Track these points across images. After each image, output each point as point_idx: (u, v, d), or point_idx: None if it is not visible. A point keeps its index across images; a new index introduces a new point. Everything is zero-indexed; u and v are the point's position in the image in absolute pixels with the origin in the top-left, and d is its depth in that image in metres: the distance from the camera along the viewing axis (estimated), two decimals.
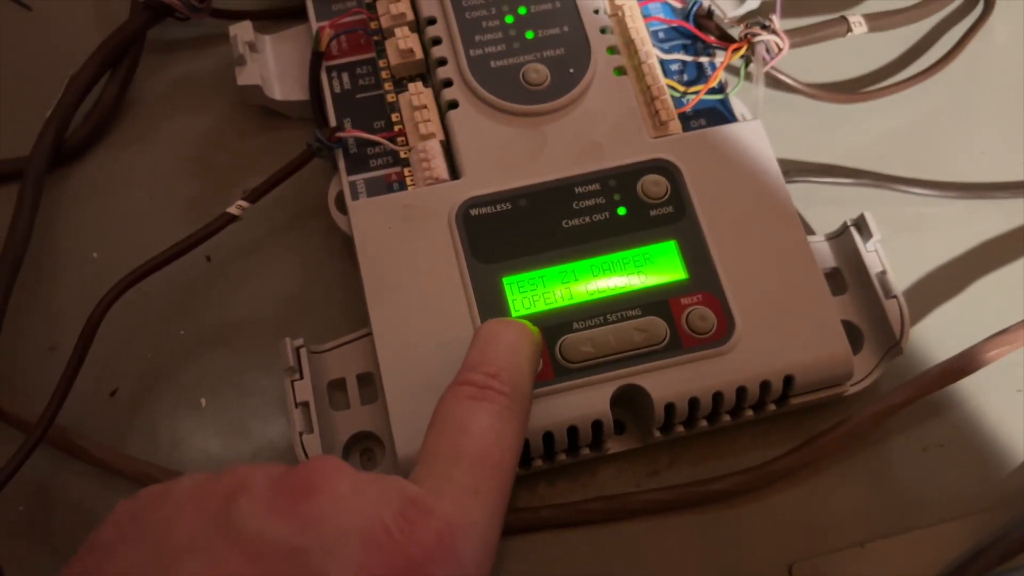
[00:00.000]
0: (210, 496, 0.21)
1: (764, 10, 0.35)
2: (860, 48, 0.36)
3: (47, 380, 0.29)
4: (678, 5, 0.34)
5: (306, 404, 0.28)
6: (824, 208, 0.33)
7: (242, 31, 0.33)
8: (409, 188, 0.31)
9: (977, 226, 0.34)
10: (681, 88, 0.33)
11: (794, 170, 0.33)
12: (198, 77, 0.36)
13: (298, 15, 0.36)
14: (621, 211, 0.30)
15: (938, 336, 0.32)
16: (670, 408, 0.27)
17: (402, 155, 0.31)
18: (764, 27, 0.32)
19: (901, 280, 0.31)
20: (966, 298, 0.33)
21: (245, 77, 0.33)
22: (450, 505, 0.21)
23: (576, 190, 0.30)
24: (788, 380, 0.28)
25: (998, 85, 0.37)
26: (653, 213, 0.30)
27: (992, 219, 0.34)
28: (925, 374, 0.30)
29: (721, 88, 0.33)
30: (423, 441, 0.23)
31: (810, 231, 0.32)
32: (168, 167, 0.35)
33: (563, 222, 0.29)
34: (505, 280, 0.28)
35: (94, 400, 0.31)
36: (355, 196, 0.31)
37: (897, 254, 0.31)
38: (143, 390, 0.31)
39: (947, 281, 0.33)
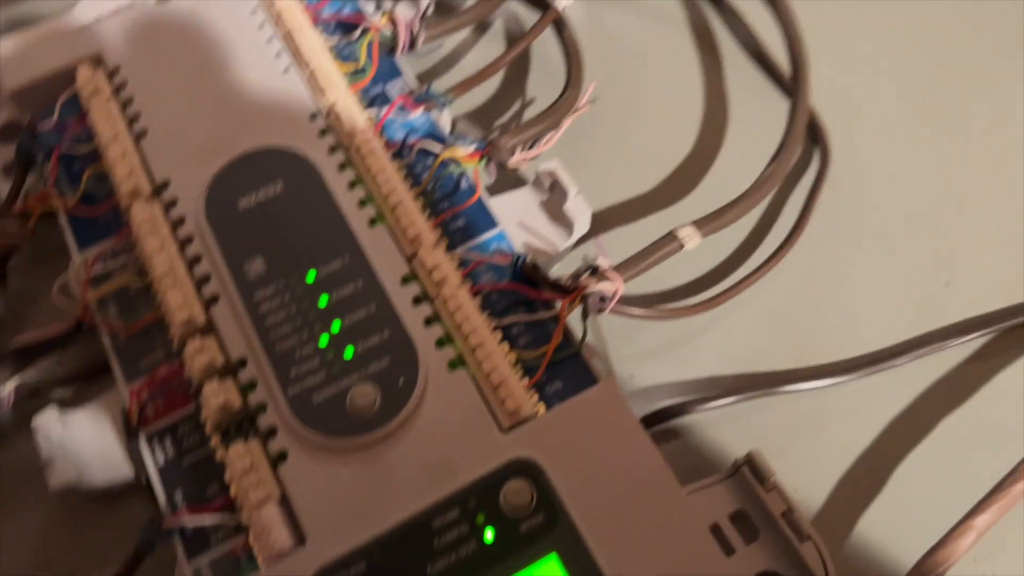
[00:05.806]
0: None
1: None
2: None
3: None
4: (501, 263, 0.32)
5: None
6: (716, 431, 0.30)
7: (47, 423, 0.30)
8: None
9: (883, 403, 0.31)
10: (529, 355, 0.30)
11: (670, 413, 0.30)
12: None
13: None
14: (488, 536, 0.26)
15: (873, 552, 0.28)
16: None
17: (243, 522, 0.28)
18: (593, 271, 0.30)
19: (818, 489, 0.28)
20: (891, 491, 0.30)
21: (58, 477, 0.30)
22: None
23: (433, 524, 0.27)
24: None
25: (858, 238, 0.35)
26: (524, 528, 0.26)
27: (897, 391, 0.31)
28: None
29: (568, 340, 0.30)
30: None
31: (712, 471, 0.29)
32: None
33: (427, 570, 0.26)
34: None
35: None
36: None
37: (806, 460, 0.28)
38: None
39: (868, 475, 0.30)
